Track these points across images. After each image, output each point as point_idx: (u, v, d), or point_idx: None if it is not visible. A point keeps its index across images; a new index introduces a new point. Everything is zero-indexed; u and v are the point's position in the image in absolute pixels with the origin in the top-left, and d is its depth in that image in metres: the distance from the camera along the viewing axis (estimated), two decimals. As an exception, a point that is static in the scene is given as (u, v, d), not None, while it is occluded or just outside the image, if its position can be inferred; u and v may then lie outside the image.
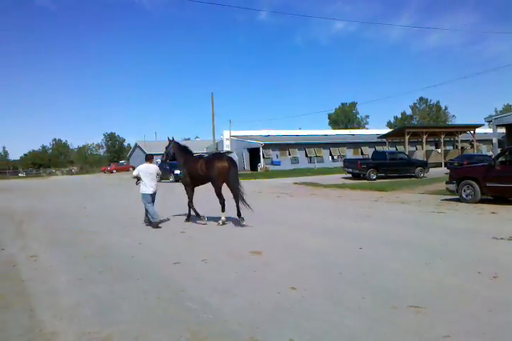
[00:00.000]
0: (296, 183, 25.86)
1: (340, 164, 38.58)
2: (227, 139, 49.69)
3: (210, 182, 11.05)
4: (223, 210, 10.82)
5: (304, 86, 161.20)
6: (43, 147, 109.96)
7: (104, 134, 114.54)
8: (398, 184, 22.21)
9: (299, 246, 7.87)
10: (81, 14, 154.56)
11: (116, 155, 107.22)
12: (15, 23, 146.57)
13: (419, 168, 27.85)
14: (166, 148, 12.05)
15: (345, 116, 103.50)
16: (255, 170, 44.44)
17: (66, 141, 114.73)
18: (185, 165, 11.41)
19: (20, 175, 78.23)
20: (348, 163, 29.16)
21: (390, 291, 5.16)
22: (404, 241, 8.11)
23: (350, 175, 28.86)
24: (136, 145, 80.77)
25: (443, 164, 36.93)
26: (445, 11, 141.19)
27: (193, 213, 11.39)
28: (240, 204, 10.61)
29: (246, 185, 24.85)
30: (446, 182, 15.02)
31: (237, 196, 10.59)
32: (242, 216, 10.58)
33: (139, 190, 11.03)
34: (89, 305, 5.06)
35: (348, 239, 8.42)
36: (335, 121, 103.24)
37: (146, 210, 10.81)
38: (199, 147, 64.60)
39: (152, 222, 10.60)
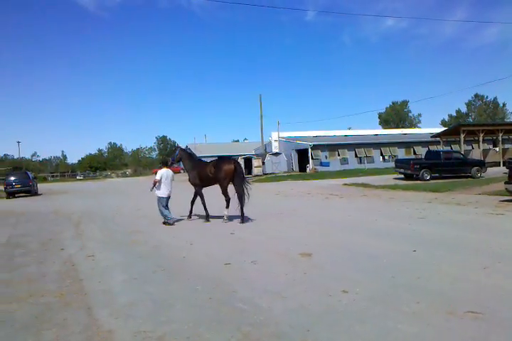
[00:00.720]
0: (345, 184, 25.48)
1: (391, 164, 37.66)
2: (275, 140, 49.69)
3: (217, 184, 12.28)
4: (227, 207, 11.91)
5: (353, 85, 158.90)
6: (99, 150, 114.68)
7: (156, 137, 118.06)
8: (453, 184, 21.38)
9: (349, 249, 7.74)
10: (146, 12, 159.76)
11: (168, 157, 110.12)
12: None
13: (475, 168, 26.67)
14: (173, 153, 13.54)
15: (396, 115, 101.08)
16: (304, 171, 44.18)
17: (121, 144, 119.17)
18: (195, 169, 12.63)
19: (78, 177, 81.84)
20: (400, 164, 28.37)
21: (446, 296, 4.98)
22: (460, 244, 7.80)
23: (402, 176, 28.08)
24: (186, 148, 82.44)
25: (501, 163, 35.21)
26: (502, 3, 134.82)
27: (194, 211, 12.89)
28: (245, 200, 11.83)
29: (295, 187, 24.70)
30: (506, 183, 14.30)
31: (241, 198, 11.71)
32: (243, 219, 11.61)
33: (154, 193, 12.10)
34: (144, 304, 5.20)
35: (401, 241, 8.20)
36: (386, 121, 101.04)
37: (161, 212, 11.79)
38: (248, 148, 65.21)
39: (167, 222, 11.69)
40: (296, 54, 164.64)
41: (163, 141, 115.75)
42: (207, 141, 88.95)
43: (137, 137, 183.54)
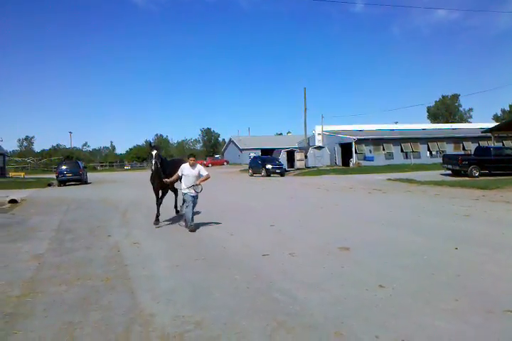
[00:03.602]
0: (389, 179, 25.04)
1: (438, 160, 36.57)
2: (319, 134, 49.31)
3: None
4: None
5: (401, 78, 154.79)
6: (147, 142, 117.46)
7: (201, 129, 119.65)
8: (504, 182, 20.56)
9: (389, 244, 7.68)
10: (185, 11, 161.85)
11: (211, 149, 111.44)
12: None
13: (528, 166, 25.54)
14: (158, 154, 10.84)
15: (446, 109, 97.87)
16: (347, 165, 43.67)
17: (167, 136, 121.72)
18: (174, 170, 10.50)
19: (125, 167, 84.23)
20: (448, 159, 27.57)
21: (486, 295, 4.89)
22: (505, 243, 7.57)
23: (449, 172, 27.29)
24: (230, 141, 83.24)
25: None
26: None
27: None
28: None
29: (337, 181, 24.51)
30: (560, 181, 13.66)
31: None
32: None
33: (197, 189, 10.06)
34: (184, 290, 5.40)
35: (443, 238, 8.05)
36: (434, 115, 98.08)
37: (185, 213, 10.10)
38: (291, 142, 65.01)
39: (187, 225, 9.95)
40: (342, 46, 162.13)
41: (207, 133, 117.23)
42: (250, 133, 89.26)
43: (183, 129, 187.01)
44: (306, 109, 46.59)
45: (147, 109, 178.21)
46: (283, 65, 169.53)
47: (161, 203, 11.27)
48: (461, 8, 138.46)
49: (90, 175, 38.26)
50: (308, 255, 7.05)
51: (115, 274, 6.22)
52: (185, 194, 9.85)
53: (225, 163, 75.63)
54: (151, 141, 13.59)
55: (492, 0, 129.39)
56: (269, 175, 35.07)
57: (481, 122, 62.22)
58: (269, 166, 35.84)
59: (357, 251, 7.19)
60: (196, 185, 9.79)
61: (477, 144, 42.23)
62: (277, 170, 35.65)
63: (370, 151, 44.70)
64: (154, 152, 10.49)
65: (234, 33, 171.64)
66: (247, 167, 43.28)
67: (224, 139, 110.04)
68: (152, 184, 11.18)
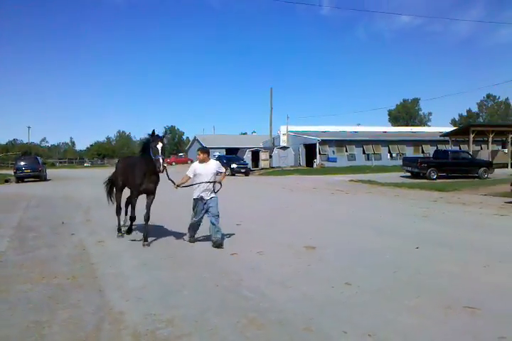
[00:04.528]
0: (352, 180, 25.61)
1: (399, 162, 37.60)
2: (284, 134, 49.71)
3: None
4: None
5: (364, 81, 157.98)
6: (108, 138, 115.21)
7: (164, 127, 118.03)
8: (460, 184, 21.43)
9: (353, 244, 7.91)
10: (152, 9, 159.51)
11: (175, 147, 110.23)
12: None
13: (483, 169, 26.68)
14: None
15: (406, 113, 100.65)
16: (311, 166, 44.25)
17: (129, 133, 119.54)
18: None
19: (85, 164, 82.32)
20: (408, 162, 28.42)
21: (446, 292, 5.14)
22: (462, 242, 7.95)
23: (409, 174, 28.14)
24: (195, 139, 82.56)
25: (509, 165, 35.13)
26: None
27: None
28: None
29: (301, 181, 24.82)
30: (512, 184, 14.39)
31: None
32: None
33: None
34: (154, 288, 5.41)
35: (404, 238, 8.35)
36: (395, 118, 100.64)
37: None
38: (256, 141, 65.18)
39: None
40: (308, 48, 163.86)
41: (171, 131, 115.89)
42: (215, 132, 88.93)
43: (146, 126, 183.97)
44: (272, 109, 47.04)
45: (109, 104, 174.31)
46: (249, 65, 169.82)
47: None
48: (423, 15, 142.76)
49: (49, 172, 37.16)
50: (276, 254, 7.18)
51: (82, 272, 6.15)
52: (197, 200, 7.89)
53: (189, 162, 74.87)
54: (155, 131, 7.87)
55: (453, 8, 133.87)
56: (233, 175, 35.11)
57: (440, 126, 64.37)
58: (234, 165, 35.90)
59: (322, 250, 7.37)
60: (215, 182, 7.87)
61: (435, 147, 43.69)
62: (242, 170, 35.81)
63: (334, 152, 45.46)
64: (160, 145, 7.69)
65: (201, 31, 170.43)
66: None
67: (188, 137, 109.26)
68: (135, 186, 8.21)
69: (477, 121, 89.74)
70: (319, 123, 54.90)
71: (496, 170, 28.49)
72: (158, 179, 8.30)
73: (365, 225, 9.93)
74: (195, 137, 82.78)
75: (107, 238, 8.71)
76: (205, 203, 7.85)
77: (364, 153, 46.74)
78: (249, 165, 39.59)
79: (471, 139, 35.54)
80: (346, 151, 46.12)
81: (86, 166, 77.35)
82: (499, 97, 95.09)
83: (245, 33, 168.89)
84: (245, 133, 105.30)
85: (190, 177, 7.99)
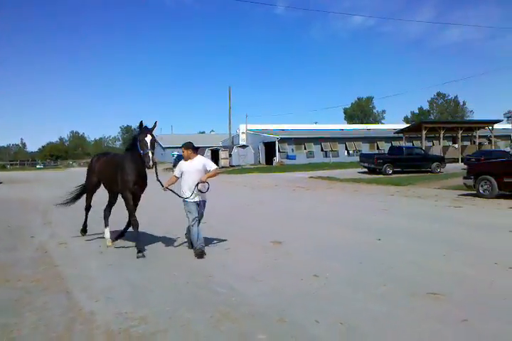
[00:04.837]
0: (311, 177, 26.01)
1: (355, 159, 38.53)
2: (243, 133, 49.83)
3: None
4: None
5: (320, 80, 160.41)
6: (61, 139, 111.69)
7: (120, 127, 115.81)
8: (414, 179, 22.20)
9: (317, 238, 8.08)
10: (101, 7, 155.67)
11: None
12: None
13: (435, 164, 27.75)
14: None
15: (361, 111, 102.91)
16: (270, 164, 44.59)
17: (83, 133, 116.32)
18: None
19: (38, 166, 79.46)
20: (365, 158, 29.19)
21: (409, 280, 5.36)
22: (421, 233, 8.28)
23: (366, 170, 28.89)
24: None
25: (460, 159, 36.67)
26: (467, 4, 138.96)
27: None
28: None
29: (262, 179, 24.98)
30: (464, 178, 15.06)
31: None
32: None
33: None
34: (122, 288, 5.35)
35: (366, 231, 8.61)
36: (351, 116, 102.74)
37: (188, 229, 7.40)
38: (215, 140, 65.01)
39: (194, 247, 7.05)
40: (265, 47, 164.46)
41: (127, 130, 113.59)
42: (173, 131, 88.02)
43: (101, 127, 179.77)
44: (230, 107, 46.96)
45: (61, 104, 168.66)
46: (207, 64, 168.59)
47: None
48: (375, 16, 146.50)
49: (1, 175, 35.70)
50: (243, 250, 7.24)
51: (46, 275, 5.99)
52: (186, 203, 7.04)
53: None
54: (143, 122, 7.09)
55: (403, 9, 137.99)
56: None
57: (393, 123, 66.27)
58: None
59: (289, 245, 7.49)
60: (202, 182, 6.95)
61: (390, 144, 45.03)
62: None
63: (293, 150, 46.00)
64: (148, 138, 6.88)
65: (158, 30, 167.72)
66: (170, 165, 42.69)
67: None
68: (126, 185, 7.26)
69: (428, 118, 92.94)
70: (278, 122, 55.44)
71: (447, 164, 29.68)
72: (146, 179, 7.45)
73: (328, 220, 10.15)
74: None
75: (69, 240, 8.49)
76: (201, 205, 7.16)
77: (322, 150, 47.55)
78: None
79: (424, 136, 36.88)
80: (305, 149, 46.79)
81: (39, 168, 74.59)
82: (449, 95, 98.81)
83: (203, 32, 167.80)
84: (204, 133, 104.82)
85: (177, 178, 7.26)
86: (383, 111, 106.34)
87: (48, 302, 4.84)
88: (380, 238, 7.83)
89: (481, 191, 14.02)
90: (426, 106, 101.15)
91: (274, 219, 10.50)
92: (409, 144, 43.52)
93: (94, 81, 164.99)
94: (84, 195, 9.08)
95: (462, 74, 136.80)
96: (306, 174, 29.20)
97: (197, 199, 7.05)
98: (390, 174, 26.32)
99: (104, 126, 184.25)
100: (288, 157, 45.17)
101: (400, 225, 9.21)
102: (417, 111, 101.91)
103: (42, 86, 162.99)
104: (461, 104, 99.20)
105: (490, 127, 40.80)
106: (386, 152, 33.75)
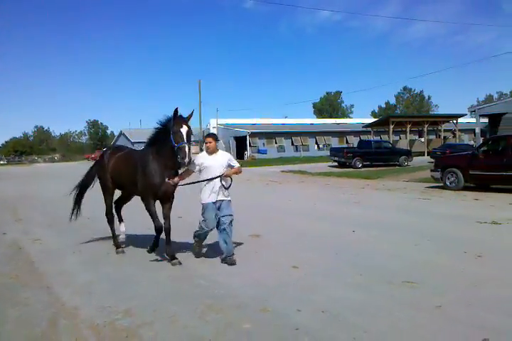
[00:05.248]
0: (283, 171, 26.26)
1: (325, 153, 39.07)
2: (214, 127, 49.67)
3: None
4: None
5: (290, 74, 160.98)
6: (25, 134, 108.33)
7: (87, 121, 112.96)
8: (383, 172, 22.76)
9: (294, 230, 8.24)
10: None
11: (99, 142, 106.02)
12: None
13: (403, 157, 28.50)
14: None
15: (330, 105, 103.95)
16: (242, 158, 44.69)
17: (48, 128, 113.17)
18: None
19: (1, 162, 77.12)
20: (335, 152, 29.68)
21: (385, 269, 5.57)
22: (393, 225, 8.56)
23: (336, 164, 29.36)
24: (120, 133, 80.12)
25: (426, 153, 37.68)
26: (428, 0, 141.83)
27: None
28: None
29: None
30: (431, 170, 15.56)
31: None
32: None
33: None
34: (103, 283, 5.37)
35: (340, 223, 8.83)
36: (320, 110, 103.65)
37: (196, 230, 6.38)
38: (185, 135, 64.50)
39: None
40: (235, 41, 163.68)
41: (94, 125, 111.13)
42: (142, 126, 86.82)
43: (66, 121, 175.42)
44: (200, 102, 46.75)
45: (25, 98, 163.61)
46: (177, 58, 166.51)
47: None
48: (342, 10, 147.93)
49: (-38, 171, 34.52)
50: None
51: (24, 271, 5.94)
52: (206, 206, 6.06)
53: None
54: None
55: (370, 4, 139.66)
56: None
57: (361, 117, 67.41)
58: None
59: (267, 238, 7.62)
60: (224, 176, 6.06)
61: (359, 138, 45.79)
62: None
63: (264, 144, 46.22)
64: (185, 129, 5.81)
65: (126, 24, 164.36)
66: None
67: (113, 132, 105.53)
68: (151, 188, 6.08)
69: (395, 112, 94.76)
70: (249, 116, 55.47)
71: (414, 158, 30.49)
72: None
73: (303, 213, 10.34)
74: (120, 131, 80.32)
75: (43, 236, 8.38)
76: (218, 207, 6.10)
77: (293, 144, 47.95)
78: (180, 159, 39.22)
79: (391, 130, 37.69)
80: (276, 143, 47.07)
81: (2, 164, 72.44)
82: (415, 90, 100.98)
83: (171, 26, 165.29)
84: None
85: (193, 172, 6.30)
86: (351, 106, 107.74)
87: (29, 298, 4.82)
88: (354, 229, 8.05)
89: (447, 183, 14.51)
90: (393, 101, 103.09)
91: (250, 213, 10.59)
92: (377, 138, 44.38)
93: (60, 74, 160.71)
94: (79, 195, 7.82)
95: (428, 69, 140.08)
96: (277, 168, 29.45)
97: (220, 197, 6.06)
98: (360, 167, 26.86)
99: (70, 121, 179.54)
100: (259, 151, 45.36)
101: (372, 217, 9.48)
102: (384, 105, 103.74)
103: (3, 79, 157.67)
104: (427, 98, 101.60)
105: (454, 121, 42.03)
106: (355, 146, 34.38)
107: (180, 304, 4.51)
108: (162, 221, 6.26)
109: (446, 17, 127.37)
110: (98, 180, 7.34)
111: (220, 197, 6.08)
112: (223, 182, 6.08)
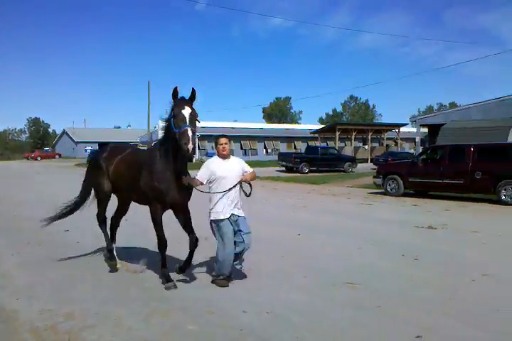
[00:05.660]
0: (231, 175, 26.28)
1: (273, 157, 39.55)
2: (161, 129, 48.99)
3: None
4: None
5: (240, 79, 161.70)
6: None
7: (27, 119, 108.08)
8: (329, 178, 23.34)
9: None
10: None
11: (40, 141, 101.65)
12: None
13: (348, 163, 29.34)
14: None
15: (279, 111, 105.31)
16: (190, 161, 44.32)
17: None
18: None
19: None
20: (283, 157, 30.11)
21: (328, 271, 5.76)
22: (337, 229, 8.83)
23: (283, 169, 29.78)
24: (63, 132, 77.41)
25: (369, 160, 38.99)
26: (379, 11, 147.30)
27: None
28: None
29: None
30: (374, 177, 16.17)
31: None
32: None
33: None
34: (44, 286, 5.20)
35: (287, 227, 9.00)
36: (269, 115, 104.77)
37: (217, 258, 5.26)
38: (132, 136, 63.34)
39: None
40: (186, 44, 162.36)
41: (35, 123, 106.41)
42: (86, 125, 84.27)
43: (5, 118, 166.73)
44: (149, 103, 45.86)
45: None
46: (125, 58, 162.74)
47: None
48: (293, 19, 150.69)
49: None
50: (170, 246, 7.22)
51: (-43, 275, 5.64)
52: (220, 223, 5.23)
53: (57, 157, 69.98)
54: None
55: (320, 13, 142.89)
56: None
57: (309, 124, 68.77)
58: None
59: (214, 240, 7.60)
60: (244, 181, 5.44)
61: (306, 144, 46.71)
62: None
63: (213, 148, 45.83)
64: (188, 111, 4.92)
65: (75, 22, 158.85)
66: (84, 161, 41.06)
67: (55, 130, 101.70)
68: (158, 196, 5.21)
69: (341, 120, 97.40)
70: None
71: (358, 164, 31.48)
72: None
73: (250, 216, 10.37)
74: (64, 130, 77.61)
75: (-22, 238, 7.98)
76: (240, 222, 5.33)
77: (242, 148, 48.21)
78: (126, 160, 38.43)
79: (337, 136, 38.76)
80: (224, 147, 47.03)
81: None
82: (360, 99, 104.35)
83: (121, 26, 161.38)
84: (120, 127, 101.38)
85: (202, 184, 5.32)
86: (300, 112, 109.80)
87: (-37, 303, 4.60)
88: (300, 233, 8.24)
89: (388, 190, 15.13)
90: (339, 109, 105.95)
91: (197, 215, 10.51)
92: (324, 144, 45.44)
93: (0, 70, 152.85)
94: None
95: (373, 79, 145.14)
96: (225, 171, 29.41)
97: (236, 212, 5.32)
98: (307, 173, 27.39)
99: (9, 118, 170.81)
100: (208, 154, 45.09)
101: (317, 221, 9.74)
102: (331, 112, 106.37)
103: None
104: (372, 107, 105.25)
105: (397, 130, 43.82)
106: (303, 151, 35.03)
107: (124, 307, 4.45)
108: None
109: (393, 29, 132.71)
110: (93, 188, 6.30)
111: (236, 212, 5.33)
112: (244, 190, 5.34)
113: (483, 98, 43.54)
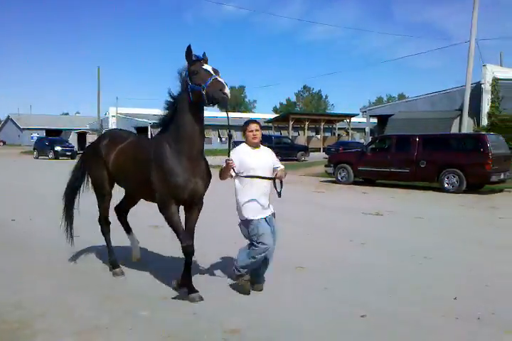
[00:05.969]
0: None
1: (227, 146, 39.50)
2: (113, 116, 47.86)
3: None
4: None
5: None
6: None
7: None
8: (285, 167, 23.58)
9: (208, 228, 8.32)
10: None
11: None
12: None
13: (300, 152, 29.90)
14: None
15: (233, 99, 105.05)
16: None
17: None
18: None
19: None
20: (237, 145, 30.19)
21: (279, 257, 5.88)
22: (289, 216, 8.96)
23: (237, 157, 29.88)
24: (8, 119, 73.95)
25: (321, 149, 39.81)
26: (329, 4, 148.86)
27: None
28: None
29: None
30: (325, 166, 16.60)
31: None
32: None
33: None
34: (-9, 276, 5.08)
35: (236, 214, 9.09)
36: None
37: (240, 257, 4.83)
38: (81, 123, 61.49)
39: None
40: (138, 30, 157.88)
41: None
42: (32, 111, 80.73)
43: None
44: (99, 89, 44.61)
45: None
46: (74, 43, 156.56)
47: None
48: (246, 7, 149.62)
49: None
50: (123, 234, 7.20)
51: None
52: (256, 222, 4.63)
53: (1, 144, 66.97)
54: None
55: (274, 1, 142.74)
56: (57, 158, 32.75)
57: (263, 113, 69.12)
58: (58, 148, 33.49)
59: (167, 229, 7.62)
60: (279, 178, 4.75)
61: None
62: (67, 153, 33.61)
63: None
64: (209, 66, 4.35)
65: (24, 7, 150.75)
66: (30, 148, 39.59)
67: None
68: (175, 188, 4.46)
69: (295, 109, 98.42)
70: (150, 106, 54.19)
71: (311, 153, 32.09)
72: (208, 170, 4.85)
73: (210, 205, 10.46)
74: (8, 116, 74.19)
75: None
76: (271, 221, 4.87)
77: (195, 136, 47.81)
78: (76, 148, 37.31)
79: (291, 126, 39.27)
80: (178, 135, 46.56)
81: None
82: (313, 89, 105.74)
83: (70, 10, 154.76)
84: (68, 114, 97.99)
85: (230, 173, 4.61)
86: (254, 101, 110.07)
87: None
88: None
89: (339, 178, 15.58)
90: (293, 98, 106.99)
91: (150, 204, 10.50)
92: (278, 133, 45.89)
93: None
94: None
95: (326, 70, 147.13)
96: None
97: (268, 212, 4.79)
98: (260, 161, 27.63)
99: None
100: (235, 142, 44.66)
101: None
102: (285, 102, 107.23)
103: None
104: (324, 97, 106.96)
105: (348, 120, 44.88)
106: (257, 140, 35.22)
107: (77, 295, 4.44)
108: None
109: (346, 21, 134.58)
110: (90, 179, 5.66)
111: (268, 212, 4.80)
112: (277, 187, 4.71)
113: (429, 90, 45.24)
